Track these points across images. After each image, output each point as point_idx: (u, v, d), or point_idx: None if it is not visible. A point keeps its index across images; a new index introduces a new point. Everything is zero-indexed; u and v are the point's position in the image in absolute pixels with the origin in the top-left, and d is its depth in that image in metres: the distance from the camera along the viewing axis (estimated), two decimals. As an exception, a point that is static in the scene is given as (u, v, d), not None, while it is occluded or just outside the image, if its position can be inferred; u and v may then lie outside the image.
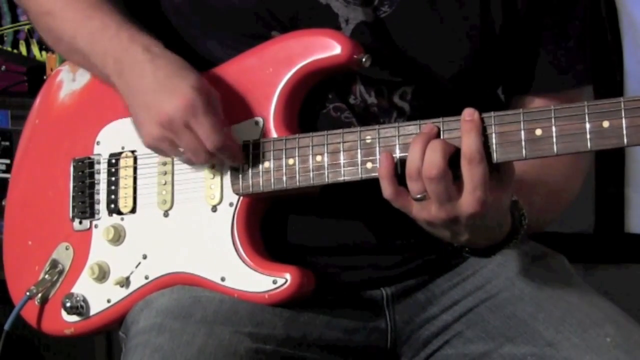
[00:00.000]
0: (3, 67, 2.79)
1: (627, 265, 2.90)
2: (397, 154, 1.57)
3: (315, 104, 1.71)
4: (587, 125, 1.48)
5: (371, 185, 1.59)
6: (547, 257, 1.83)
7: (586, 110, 1.48)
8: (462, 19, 1.70)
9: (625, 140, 1.46)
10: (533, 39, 1.75)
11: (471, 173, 1.50)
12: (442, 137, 1.54)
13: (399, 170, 1.56)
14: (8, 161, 2.64)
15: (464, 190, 1.51)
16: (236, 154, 1.66)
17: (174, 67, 1.65)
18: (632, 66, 2.77)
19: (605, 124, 1.47)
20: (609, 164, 2.82)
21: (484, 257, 1.66)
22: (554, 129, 1.50)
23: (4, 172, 2.65)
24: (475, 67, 1.73)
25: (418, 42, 1.70)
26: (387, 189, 1.55)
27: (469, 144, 1.50)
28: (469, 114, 1.52)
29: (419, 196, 1.53)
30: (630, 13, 2.77)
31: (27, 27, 2.93)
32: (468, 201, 1.51)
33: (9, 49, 2.95)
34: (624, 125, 1.46)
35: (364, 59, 1.66)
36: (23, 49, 2.94)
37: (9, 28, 2.95)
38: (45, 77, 2.75)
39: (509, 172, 1.53)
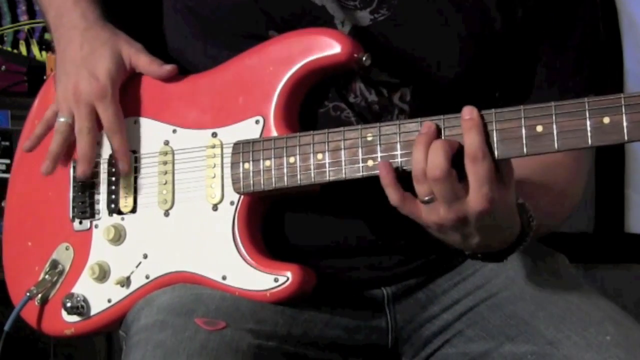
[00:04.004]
0: (3, 67, 2.79)
1: (627, 265, 2.90)
2: (398, 152, 1.57)
3: (315, 103, 1.72)
4: (588, 122, 1.48)
5: (372, 185, 1.59)
6: (548, 256, 1.83)
7: (587, 107, 1.48)
8: (460, 24, 1.71)
9: (626, 136, 1.46)
10: (531, 47, 1.76)
11: (475, 170, 1.50)
12: (443, 134, 1.54)
13: (400, 170, 1.56)
14: (8, 161, 2.63)
15: (470, 188, 1.51)
16: (122, 143, 1.76)
17: (98, 42, 1.78)
18: (632, 66, 2.77)
19: (606, 120, 1.47)
20: (609, 164, 2.83)
21: (496, 261, 1.66)
22: (554, 125, 1.49)
23: (4, 172, 2.65)
24: (472, 71, 1.73)
25: (416, 46, 1.71)
26: (393, 196, 1.55)
27: (470, 142, 1.50)
28: (468, 112, 1.51)
29: (426, 198, 1.52)
30: (630, 13, 2.77)
31: (27, 27, 2.93)
32: (475, 199, 1.51)
33: (9, 49, 2.96)
34: (624, 121, 1.46)
35: (364, 58, 1.66)
36: (23, 49, 2.94)
37: (9, 28, 2.95)
38: (45, 77, 2.75)
39: (509, 170, 1.53)
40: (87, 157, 1.77)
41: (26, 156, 1.89)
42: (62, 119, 1.79)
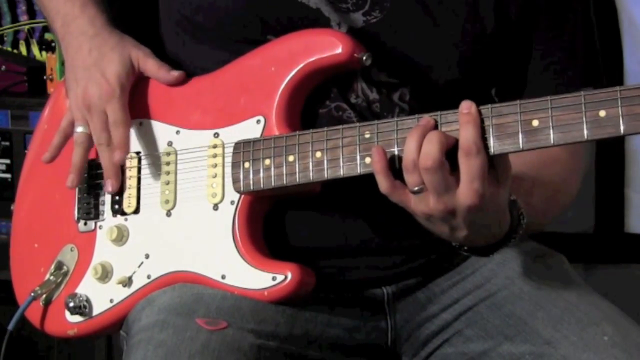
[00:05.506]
0: (3, 67, 2.80)
1: (627, 265, 2.90)
2: (395, 149, 1.57)
3: (316, 103, 1.72)
4: (584, 115, 1.47)
5: (373, 185, 1.60)
6: (547, 256, 1.83)
7: (583, 100, 1.47)
8: (454, 24, 1.71)
9: (622, 129, 1.45)
10: (526, 43, 1.76)
11: (468, 164, 1.50)
12: (440, 129, 1.53)
13: (397, 164, 1.57)
14: (8, 161, 2.64)
15: (461, 182, 1.50)
16: (123, 139, 1.77)
17: (107, 47, 1.79)
18: (632, 66, 2.77)
19: (602, 113, 1.46)
20: (609, 164, 2.83)
21: (482, 256, 1.66)
22: (550, 119, 1.48)
23: (3, 172, 2.65)
24: (469, 71, 1.73)
25: (410, 48, 1.71)
26: (383, 183, 1.55)
27: (466, 136, 1.50)
28: (467, 106, 1.51)
29: (416, 188, 1.53)
30: (630, 13, 2.77)
31: (27, 27, 2.94)
32: (465, 193, 1.50)
33: (9, 49, 2.96)
34: (620, 114, 1.45)
35: (364, 57, 1.66)
36: (23, 49, 2.95)
37: (9, 28, 2.96)
38: (45, 77, 2.76)
39: (506, 169, 1.53)
40: (114, 170, 1.77)
41: (36, 162, 1.89)
42: (79, 130, 1.79)
